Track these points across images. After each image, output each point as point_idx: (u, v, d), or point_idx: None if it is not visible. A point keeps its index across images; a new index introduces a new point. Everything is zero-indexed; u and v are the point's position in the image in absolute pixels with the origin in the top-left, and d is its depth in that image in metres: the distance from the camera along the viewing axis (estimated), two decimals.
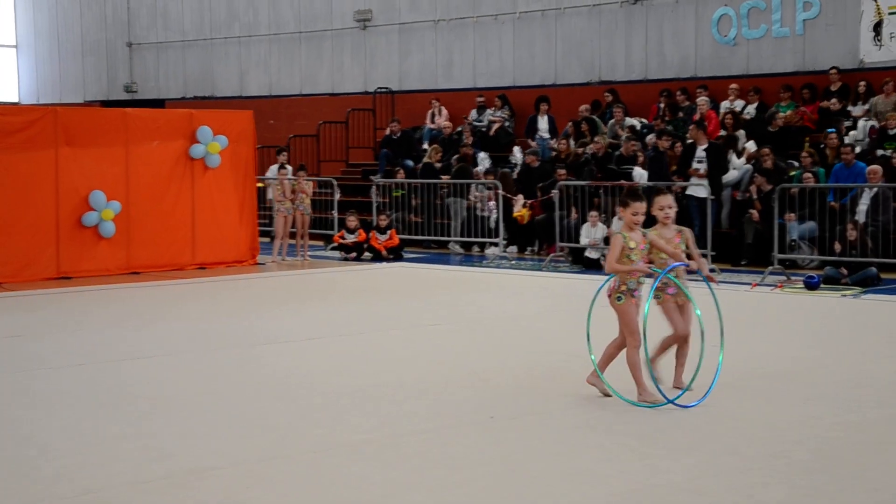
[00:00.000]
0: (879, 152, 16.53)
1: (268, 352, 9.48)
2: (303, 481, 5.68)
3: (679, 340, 7.64)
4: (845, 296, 12.98)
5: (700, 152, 16.54)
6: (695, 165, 16.49)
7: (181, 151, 16.22)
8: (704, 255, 14.40)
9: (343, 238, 18.25)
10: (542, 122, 20.98)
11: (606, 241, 16.29)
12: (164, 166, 16.05)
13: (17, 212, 14.67)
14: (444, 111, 22.97)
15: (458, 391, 7.73)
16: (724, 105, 19.09)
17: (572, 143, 19.65)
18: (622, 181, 17.07)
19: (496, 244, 18.24)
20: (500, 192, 18.28)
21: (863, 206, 15.15)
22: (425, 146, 22.17)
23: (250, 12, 27.13)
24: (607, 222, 16.71)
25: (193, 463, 5.99)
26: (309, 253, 18.08)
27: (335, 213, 20.19)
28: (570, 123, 20.27)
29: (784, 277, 14.25)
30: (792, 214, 15.45)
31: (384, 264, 17.18)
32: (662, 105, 19.83)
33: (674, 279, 7.46)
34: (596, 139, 19.17)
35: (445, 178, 19.81)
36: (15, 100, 31.16)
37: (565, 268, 16.42)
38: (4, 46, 31.65)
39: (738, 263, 15.87)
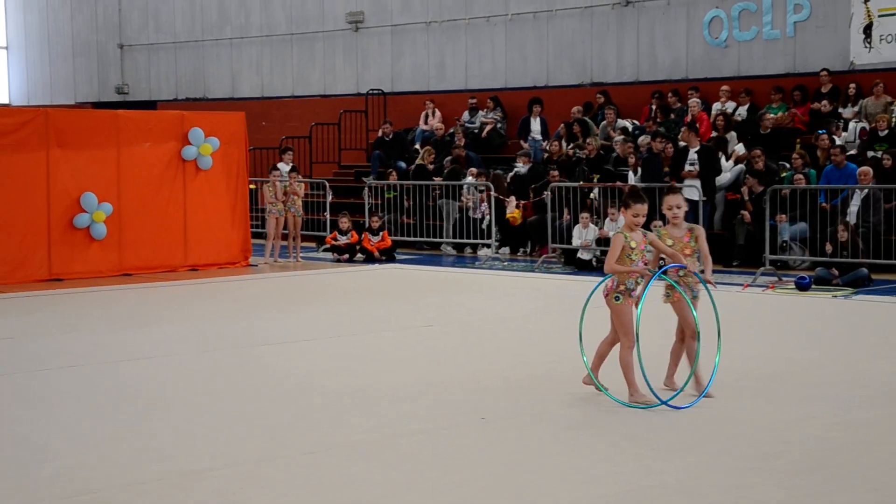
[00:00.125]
0: (870, 154, 16.59)
1: (262, 353, 9.48)
2: (299, 482, 5.69)
3: (682, 339, 7.63)
4: (836, 296, 13.02)
5: (692, 154, 16.59)
6: (687, 167, 16.53)
7: (173, 153, 16.21)
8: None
9: (335, 240, 18.26)
10: (535, 124, 21.01)
11: (598, 242, 16.33)
12: (155, 168, 16.03)
13: (8, 214, 14.64)
14: (438, 113, 22.98)
15: (452, 392, 7.74)
16: (716, 107, 19.13)
17: (564, 144, 19.69)
18: (617, 182, 17.10)
19: (488, 245, 18.26)
20: (493, 193, 18.30)
21: (854, 207, 15.21)
22: (417, 147, 22.18)
23: (242, 14, 27.11)
24: (599, 223, 16.75)
25: (190, 464, 5.99)
26: (301, 254, 18.09)
27: (327, 215, 20.20)
28: (561, 125, 20.31)
29: (775, 278, 14.30)
30: (783, 216, 15.50)
31: (376, 266, 17.19)
32: (654, 107, 19.87)
33: (670, 280, 7.47)
34: (588, 141, 19.21)
35: (438, 180, 19.82)
36: (5, 101, 31.11)
37: (557, 269, 16.44)
38: None
39: (730, 264, 15.91)
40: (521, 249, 18.62)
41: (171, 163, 16.19)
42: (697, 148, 16.64)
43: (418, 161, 20.99)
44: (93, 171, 15.32)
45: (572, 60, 22.01)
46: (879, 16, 18.31)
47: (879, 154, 16.35)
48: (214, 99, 27.13)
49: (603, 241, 16.29)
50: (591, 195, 17.27)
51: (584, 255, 16.51)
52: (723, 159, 17.20)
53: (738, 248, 16.05)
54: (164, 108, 25.38)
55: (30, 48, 31.21)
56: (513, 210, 18.53)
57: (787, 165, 16.86)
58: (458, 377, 8.28)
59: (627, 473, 5.80)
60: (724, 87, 19.45)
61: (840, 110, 18.06)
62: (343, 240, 18.14)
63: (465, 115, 22.52)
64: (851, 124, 17.59)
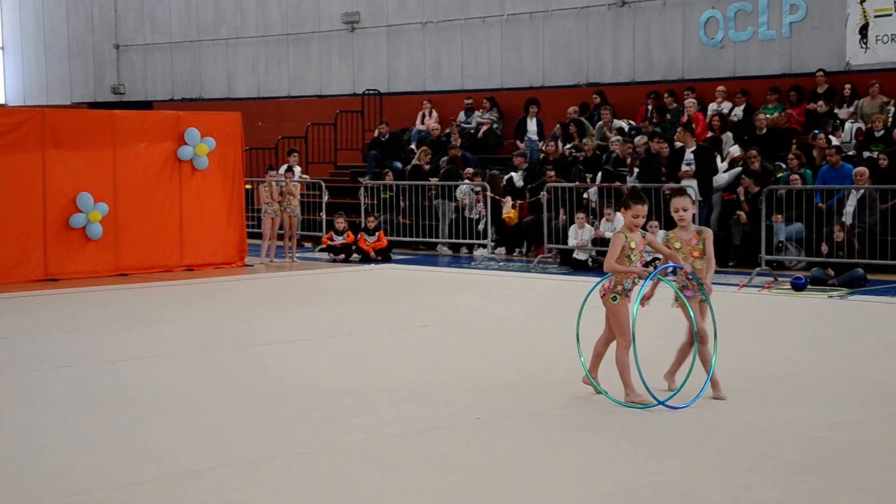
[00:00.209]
0: (866, 154, 16.61)
1: (259, 353, 9.47)
2: (294, 483, 5.69)
3: (692, 341, 7.60)
4: (832, 297, 13.04)
5: (688, 154, 16.59)
6: (684, 168, 16.53)
7: (169, 153, 16.20)
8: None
9: (331, 240, 18.26)
10: (531, 125, 21.02)
11: (594, 242, 16.34)
12: (151, 168, 16.03)
13: (4, 214, 14.63)
14: (435, 113, 22.99)
15: (448, 393, 7.74)
16: (712, 107, 19.15)
17: (560, 144, 19.69)
18: (616, 182, 17.10)
19: (484, 246, 18.26)
20: (489, 193, 18.31)
21: (849, 207, 15.22)
22: (413, 148, 22.18)
23: (238, 14, 27.10)
24: (594, 223, 16.75)
25: (186, 464, 5.99)
26: (297, 254, 18.09)
27: (323, 215, 20.20)
28: (558, 125, 20.32)
29: (771, 279, 14.31)
30: (779, 216, 15.51)
31: (372, 266, 17.19)
32: (650, 107, 19.89)
33: (666, 280, 7.47)
34: (584, 141, 19.22)
35: (434, 181, 19.82)
36: (1, 101, 31.08)
37: (553, 269, 16.45)
38: None
39: (726, 265, 15.92)
40: (517, 250, 18.62)
41: (167, 163, 16.18)
42: (694, 148, 16.64)
43: (414, 161, 20.99)
44: (89, 171, 15.31)
45: (568, 61, 22.02)
46: (875, 16, 18.33)
47: (875, 154, 16.37)
48: (210, 99, 27.12)
49: (599, 242, 16.30)
50: (585, 195, 17.28)
51: (579, 256, 16.52)
52: (717, 160, 17.20)
53: (733, 248, 16.06)
54: (161, 108, 25.37)
55: (26, 48, 31.19)
56: (509, 210, 18.54)
57: (783, 166, 16.88)
58: (455, 377, 8.28)
59: (623, 473, 5.80)
60: (720, 88, 19.47)
61: (836, 111, 18.08)
62: (339, 240, 18.14)
63: (461, 116, 22.52)
64: (847, 124, 17.60)
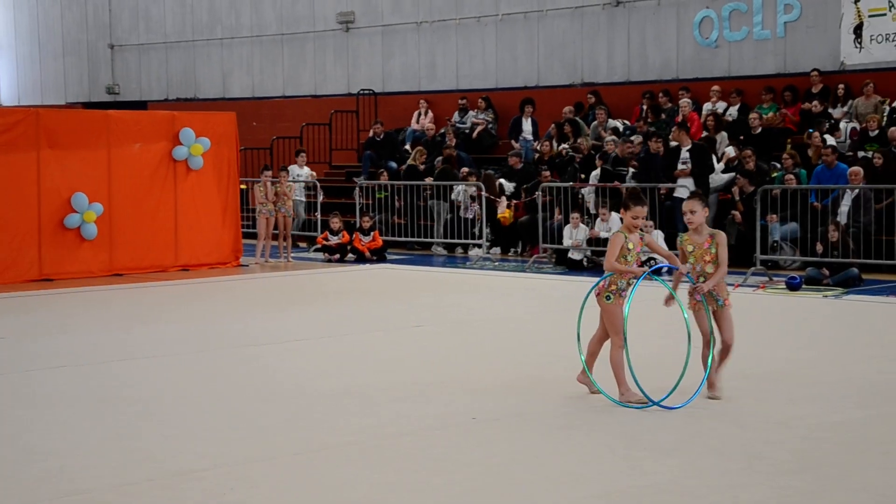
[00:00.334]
0: (860, 154, 16.63)
1: (254, 354, 9.46)
2: (287, 483, 5.68)
3: (706, 343, 7.58)
4: (827, 296, 13.05)
5: (684, 153, 16.57)
6: (680, 167, 16.51)
7: (164, 153, 16.19)
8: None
9: (326, 240, 18.25)
10: (526, 125, 21.02)
11: (589, 242, 16.35)
12: (146, 168, 16.01)
13: None
14: (430, 113, 22.99)
15: (444, 393, 7.74)
16: (706, 107, 19.16)
17: (555, 144, 19.70)
18: (616, 182, 17.10)
19: (479, 246, 18.26)
20: (484, 193, 18.31)
21: (844, 207, 15.24)
22: (408, 148, 22.18)
23: (232, 14, 27.08)
24: (589, 223, 16.75)
25: (179, 465, 5.98)
26: (292, 254, 18.08)
27: (318, 215, 20.19)
28: (552, 125, 20.32)
29: (766, 278, 14.32)
30: (774, 216, 15.52)
31: (367, 266, 17.18)
32: (645, 107, 19.90)
33: (659, 279, 7.47)
34: (579, 141, 19.22)
35: (429, 180, 19.82)
36: None
37: (549, 269, 16.45)
38: None
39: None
40: (512, 249, 18.63)
41: (161, 163, 16.17)
42: (689, 147, 16.62)
43: (409, 161, 20.98)
44: (83, 171, 15.29)
45: (563, 61, 22.03)
46: (869, 16, 18.35)
47: (870, 154, 16.39)
48: (205, 99, 27.10)
49: (594, 242, 16.31)
50: (581, 193, 17.28)
51: (574, 256, 16.53)
52: (714, 162, 17.15)
53: (728, 248, 16.04)
54: (155, 108, 25.35)
55: (20, 48, 31.14)
56: (504, 210, 18.54)
57: (778, 165, 16.89)
58: (451, 377, 8.28)
59: (618, 473, 5.80)
60: (715, 88, 19.48)
61: (830, 110, 18.10)
62: (334, 240, 18.13)
63: (456, 116, 22.51)
64: (842, 124, 17.62)
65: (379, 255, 17.85)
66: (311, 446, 6.38)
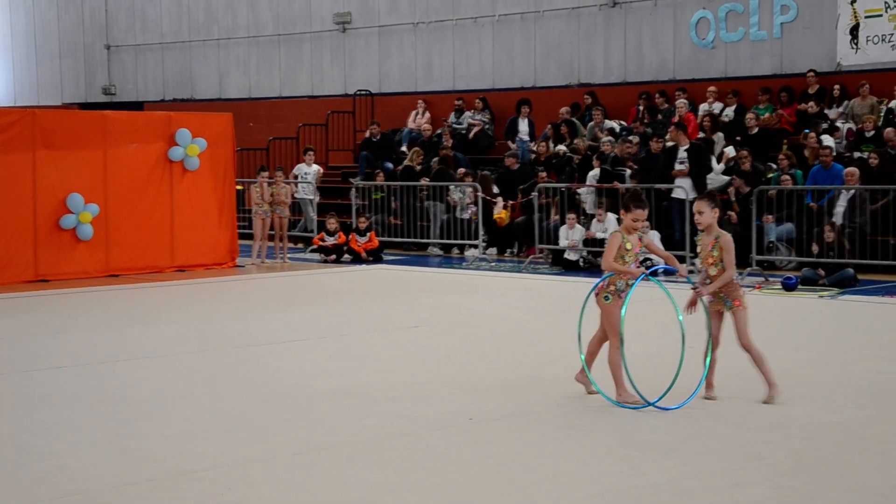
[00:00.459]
0: (856, 154, 16.65)
1: (251, 354, 9.46)
2: (284, 483, 5.68)
3: (711, 345, 7.60)
4: (823, 297, 13.06)
5: (681, 153, 16.54)
6: (677, 167, 16.49)
7: (160, 154, 16.18)
8: (682, 258, 14.47)
9: (323, 240, 18.24)
10: (523, 125, 21.02)
11: (585, 242, 16.36)
12: (142, 169, 16.00)
13: None
14: (427, 113, 22.99)
15: (441, 393, 7.74)
16: (703, 108, 19.18)
17: (552, 145, 19.70)
18: (615, 182, 17.09)
19: (475, 246, 18.27)
20: (480, 194, 18.31)
21: (840, 207, 15.26)
22: (404, 149, 22.18)
23: (229, 15, 27.07)
24: (585, 223, 16.76)
25: (177, 465, 5.98)
26: (288, 255, 18.08)
27: (314, 216, 20.18)
28: (549, 126, 20.33)
29: (762, 279, 14.33)
30: (770, 216, 15.54)
31: (364, 266, 17.18)
32: (641, 107, 19.91)
33: (655, 280, 7.48)
34: (575, 141, 19.23)
35: (425, 181, 19.82)
36: None
37: (545, 269, 16.46)
38: None
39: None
40: (509, 250, 18.63)
41: (158, 164, 16.16)
42: (687, 146, 16.59)
43: (406, 162, 20.99)
44: (79, 171, 15.28)
45: (559, 61, 22.04)
46: (866, 17, 18.38)
47: (866, 155, 16.41)
48: (201, 100, 27.08)
49: (590, 242, 16.32)
50: (578, 194, 17.29)
51: (570, 256, 16.53)
52: (713, 161, 17.10)
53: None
54: (151, 108, 25.33)
55: (16, 49, 31.10)
56: (500, 211, 18.54)
57: (774, 166, 16.90)
58: (448, 378, 8.28)
59: (615, 474, 5.81)
60: (712, 88, 19.50)
61: (826, 111, 18.12)
62: (330, 241, 18.12)
63: (452, 117, 22.51)
64: (839, 125, 17.63)
65: (375, 256, 17.85)
66: (309, 446, 6.38)
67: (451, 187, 19.22)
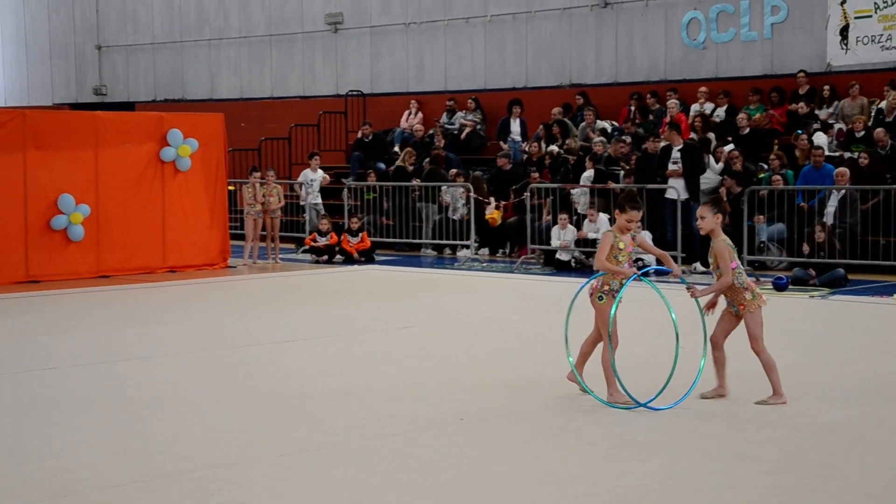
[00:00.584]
0: (847, 155, 16.69)
1: (243, 355, 9.45)
2: (274, 484, 5.67)
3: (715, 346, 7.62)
4: (813, 297, 13.09)
5: (675, 153, 16.51)
6: (671, 167, 16.47)
7: (151, 154, 16.15)
8: (674, 259, 14.46)
9: (315, 241, 18.23)
10: (515, 125, 21.03)
11: (577, 243, 16.37)
12: (134, 169, 15.97)
13: None
14: (420, 114, 22.99)
15: (432, 394, 7.74)
16: (694, 108, 19.20)
17: (544, 145, 19.71)
18: (609, 182, 17.10)
19: (468, 246, 18.27)
20: (472, 194, 18.31)
21: (831, 207, 15.29)
22: (396, 149, 22.17)
23: (220, 15, 27.03)
24: (578, 224, 16.77)
25: (166, 467, 5.97)
26: (280, 256, 18.06)
27: (307, 216, 20.16)
28: (541, 126, 20.34)
29: (753, 279, 14.32)
30: (761, 216, 15.57)
31: (356, 267, 17.17)
32: (633, 108, 19.93)
33: (647, 281, 7.48)
34: (567, 142, 19.24)
35: (416, 181, 19.82)
36: None
37: (537, 269, 16.46)
38: None
39: (709, 265, 15.92)
40: (501, 250, 18.64)
41: (149, 164, 16.13)
42: (681, 146, 16.56)
43: (398, 162, 20.98)
44: (70, 172, 15.24)
45: (551, 62, 22.05)
46: (856, 17, 18.42)
47: (856, 155, 16.44)
48: (193, 100, 27.04)
49: (582, 242, 16.33)
50: (571, 194, 17.30)
51: (562, 256, 16.54)
52: (711, 161, 17.04)
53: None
54: (143, 109, 25.29)
55: (6, 49, 31.02)
56: (492, 211, 18.54)
57: (765, 166, 16.92)
58: (439, 378, 8.28)
59: (605, 474, 5.81)
60: (703, 89, 19.52)
61: (817, 112, 18.16)
62: (322, 241, 18.11)
63: (444, 117, 22.51)
64: (831, 122, 17.66)
65: (367, 257, 17.84)
66: (299, 447, 6.37)
67: (443, 188, 19.22)
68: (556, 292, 13.24)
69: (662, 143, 17.06)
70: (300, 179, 20.31)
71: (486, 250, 18.58)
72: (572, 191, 17.49)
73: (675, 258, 14.28)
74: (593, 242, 15.68)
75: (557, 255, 16.57)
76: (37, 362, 9.11)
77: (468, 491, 5.55)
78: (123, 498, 5.47)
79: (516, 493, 5.50)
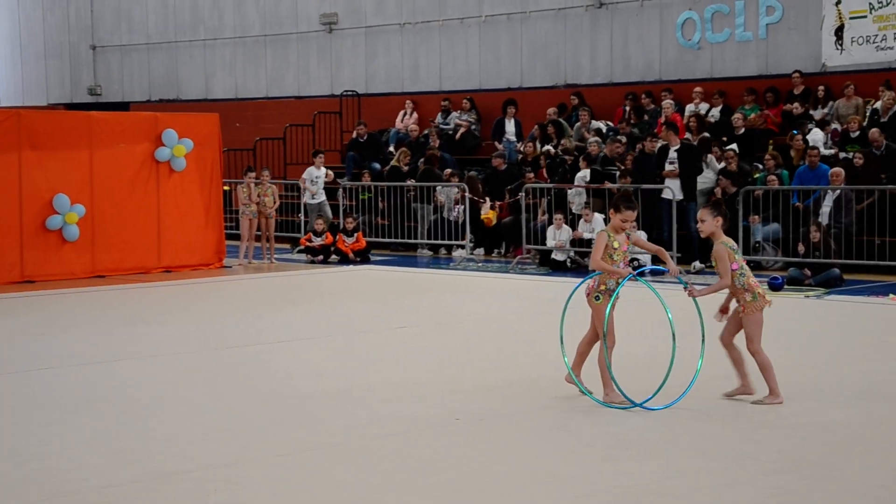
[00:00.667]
0: (842, 155, 16.72)
1: (239, 355, 9.45)
2: (273, 484, 5.67)
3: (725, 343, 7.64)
4: (809, 297, 13.11)
5: (672, 153, 16.51)
6: (667, 167, 16.48)
7: (146, 154, 16.14)
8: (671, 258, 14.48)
9: (310, 241, 18.22)
10: (509, 126, 21.05)
11: (573, 242, 16.39)
12: (129, 169, 15.96)
13: None
14: (415, 114, 22.99)
15: (428, 394, 7.74)
16: (689, 108, 19.22)
17: (539, 145, 19.72)
18: (606, 182, 17.11)
19: (463, 246, 18.27)
20: (467, 194, 18.32)
21: (826, 207, 15.32)
22: (391, 149, 22.17)
23: (215, 15, 27.01)
24: (573, 224, 16.78)
25: (163, 467, 5.97)
26: (276, 256, 18.05)
27: (302, 216, 20.15)
28: (536, 126, 20.35)
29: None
30: (756, 216, 15.59)
31: (351, 267, 17.17)
32: (628, 108, 19.95)
33: (643, 281, 7.50)
34: (562, 142, 19.25)
35: (411, 182, 19.82)
36: None
37: (532, 270, 16.47)
38: None
39: (705, 265, 15.96)
40: (496, 250, 18.65)
41: (144, 164, 16.12)
42: (678, 147, 16.56)
43: (393, 162, 20.98)
44: (65, 172, 15.23)
45: (546, 62, 22.06)
46: (850, 18, 18.45)
47: (851, 155, 16.47)
48: (188, 100, 27.02)
49: (577, 242, 16.35)
50: (570, 193, 17.32)
51: (558, 256, 16.56)
52: (713, 160, 16.98)
53: (711, 248, 16.06)
54: (137, 109, 25.27)
55: (1, 49, 30.96)
56: (487, 211, 18.55)
57: (760, 166, 16.95)
58: (435, 378, 8.28)
59: (602, 474, 5.82)
60: (698, 89, 19.54)
61: (811, 112, 18.19)
62: (318, 241, 18.11)
63: (439, 117, 22.51)
64: (827, 120, 17.70)
65: (362, 257, 17.84)
66: (295, 447, 6.37)
67: (438, 188, 19.23)
68: (551, 292, 13.25)
69: (659, 144, 17.08)
70: (304, 177, 20.24)
71: (481, 250, 18.59)
72: (568, 191, 17.50)
73: (670, 258, 14.32)
74: (588, 242, 15.69)
75: (553, 255, 16.58)
76: (36, 362, 9.10)
77: (468, 491, 5.56)
78: (123, 498, 5.47)
79: (516, 493, 5.50)
